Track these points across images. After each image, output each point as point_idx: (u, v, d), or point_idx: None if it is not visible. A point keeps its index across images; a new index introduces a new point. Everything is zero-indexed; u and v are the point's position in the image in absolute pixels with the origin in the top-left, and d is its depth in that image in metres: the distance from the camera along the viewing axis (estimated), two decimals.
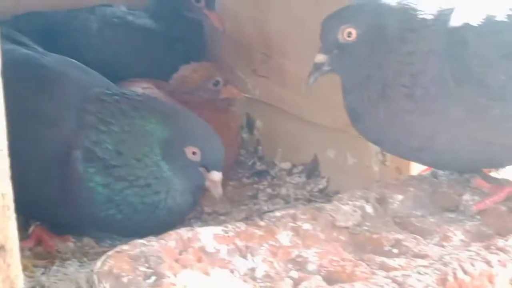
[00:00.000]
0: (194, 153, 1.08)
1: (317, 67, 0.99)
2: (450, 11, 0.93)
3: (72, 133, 1.07)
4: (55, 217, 1.13)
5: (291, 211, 0.92)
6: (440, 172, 1.05)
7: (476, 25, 0.90)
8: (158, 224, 1.06)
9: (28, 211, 1.11)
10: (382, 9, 0.96)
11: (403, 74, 0.92)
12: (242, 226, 0.88)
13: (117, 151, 1.06)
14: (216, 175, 1.08)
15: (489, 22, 0.90)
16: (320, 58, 0.99)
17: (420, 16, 0.93)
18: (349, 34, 0.96)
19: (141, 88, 1.40)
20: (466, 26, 0.90)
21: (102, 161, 1.06)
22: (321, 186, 1.41)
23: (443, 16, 0.93)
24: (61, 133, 1.08)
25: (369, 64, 0.95)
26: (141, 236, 1.15)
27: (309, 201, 1.36)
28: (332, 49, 0.98)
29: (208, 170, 1.08)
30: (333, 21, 0.98)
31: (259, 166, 1.53)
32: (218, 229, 0.86)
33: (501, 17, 0.90)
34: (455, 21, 0.92)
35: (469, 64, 0.89)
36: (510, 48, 0.89)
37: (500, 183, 1.00)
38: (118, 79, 1.29)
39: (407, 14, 0.94)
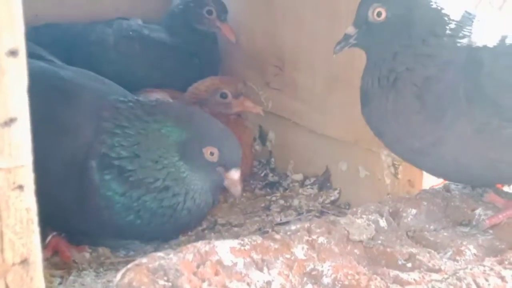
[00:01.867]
0: (212, 153, 1.09)
1: (346, 38, 1.02)
2: (473, 21, 0.95)
3: (89, 141, 1.08)
4: (73, 226, 1.15)
5: (306, 225, 0.93)
6: (453, 186, 1.06)
7: (492, 46, 0.91)
8: (177, 226, 1.08)
9: (46, 221, 1.12)
10: (417, 2, 0.97)
11: (417, 74, 0.94)
12: (258, 239, 0.89)
13: (133, 153, 1.07)
14: (235, 174, 1.10)
15: (504, 42, 0.91)
16: (350, 30, 1.01)
17: (448, 23, 0.94)
18: (379, 13, 0.98)
19: (155, 97, 1.42)
20: (483, 46, 0.92)
21: (118, 166, 1.06)
22: (333, 198, 1.41)
23: (466, 27, 0.94)
24: (78, 142, 1.09)
25: (388, 50, 0.97)
26: (161, 238, 1.17)
27: (321, 212, 1.37)
28: (361, 24, 1.00)
29: (226, 170, 1.10)
30: (367, 1, 1.00)
31: (271, 178, 1.55)
32: (234, 242, 0.87)
33: None
34: (475, 36, 0.93)
35: (483, 85, 0.90)
36: None
37: None
38: (133, 91, 1.31)
39: (437, 16, 0.95)
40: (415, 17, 0.96)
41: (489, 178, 0.99)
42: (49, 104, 1.12)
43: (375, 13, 0.99)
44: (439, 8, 0.96)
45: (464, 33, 0.94)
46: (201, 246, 0.85)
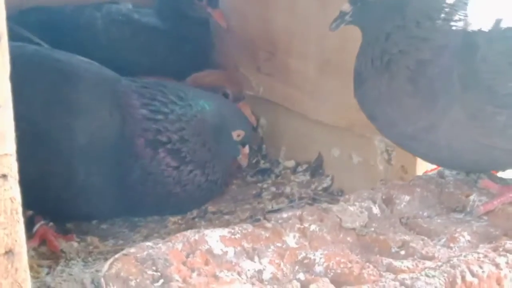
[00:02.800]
0: (239, 135, 1.28)
1: (341, 15, 1.00)
2: (468, 3, 0.92)
3: (113, 122, 1.14)
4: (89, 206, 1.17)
5: (298, 212, 0.92)
6: (447, 172, 1.04)
7: (486, 30, 0.89)
8: (208, 198, 1.28)
9: (37, 205, 1.12)
10: None
11: (410, 57, 0.92)
12: (249, 227, 0.87)
13: (182, 138, 1.19)
14: (247, 148, 1.33)
15: (499, 27, 0.89)
16: (346, 7, 1.00)
17: (443, 6, 0.92)
18: None
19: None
20: (478, 30, 0.89)
21: (170, 147, 1.18)
22: (325, 185, 1.40)
23: (461, 10, 0.92)
24: (100, 124, 1.13)
25: (382, 29, 0.95)
26: (184, 211, 1.29)
27: (314, 199, 1.35)
28: (357, 1, 0.98)
29: (243, 146, 1.30)
30: None
31: (263, 165, 1.53)
32: (225, 231, 0.85)
33: (510, 21, 0.90)
34: (470, 20, 0.91)
35: (477, 70, 0.88)
36: None
37: (507, 184, 0.99)
38: (123, 76, 1.29)
39: None
40: None
41: (483, 164, 0.98)
42: (53, 85, 1.11)
43: None
44: None
45: (459, 16, 0.92)
46: (191, 235, 0.84)
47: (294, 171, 1.47)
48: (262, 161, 1.54)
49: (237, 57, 1.61)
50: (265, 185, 1.43)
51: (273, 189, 1.41)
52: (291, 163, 1.50)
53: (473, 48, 0.89)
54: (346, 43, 1.22)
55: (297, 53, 1.43)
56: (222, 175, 1.29)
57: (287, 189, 1.40)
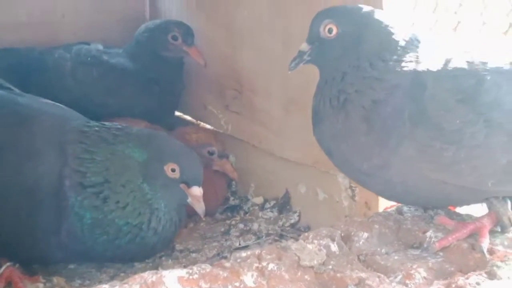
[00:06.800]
0: (173, 170, 1.11)
1: (300, 54, 1.02)
2: (420, 43, 0.96)
3: (53, 166, 1.09)
4: (36, 252, 1.13)
5: (257, 251, 0.93)
6: (405, 208, 1.06)
7: (435, 69, 0.92)
8: (145, 246, 1.10)
9: (3, 251, 1.11)
10: (367, 20, 0.98)
11: (365, 96, 0.95)
12: (207, 267, 0.88)
13: (104, 178, 1.09)
14: (197, 190, 1.12)
15: (447, 66, 0.92)
16: (304, 46, 1.02)
17: (396, 47, 0.95)
18: (330, 30, 0.99)
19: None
20: (426, 69, 0.92)
21: (90, 190, 1.08)
22: (292, 221, 1.42)
23: (413, 51, 0.95)
24: (42, 167, 1.09)
25: (338, 68, 0.98)
26: (130, 260, 1.18)
27: (281, 236, 1.37)
28: (314, 41, 1.01)
29: (189, 186, 1.11)
30: (319, 15, 1.02)
31: (232, 201, 1.55)
32: (183, 272, 0.86)
33: (458, 60, 0.93)
34: (421, 60, 0.94)
35: (426, 107, 0.90)
36: (465, 93, 0.90)
37: (463, 220, 1.01)
38: (91, 118, 1.30)
39: (385, 39, 0.96)
40: (364, 37, 0.97)
41: (437, 200, 1.00)
42: (8, 131, 1.11)
43: (326, 29, 1.00)
44: (388, 29, 0.97)
45: (411, 57, 0.95)
46: (148, 276, 0.84)
47: (262, 207, 1.49)
48: (232, 198, 1.56)
49: (206, 96, 1.63)
50: (233, 222, 1.45)
51: (241, 226, 1.43)
52: (259, 200, 1.51)
53: (422, 87, 0.91)
54: (309, 83, 1.24)
55: (263, 91, 1.46)
56: (167, 220, 1.12)
57: (255, 226, 1.41)
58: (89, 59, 1.57)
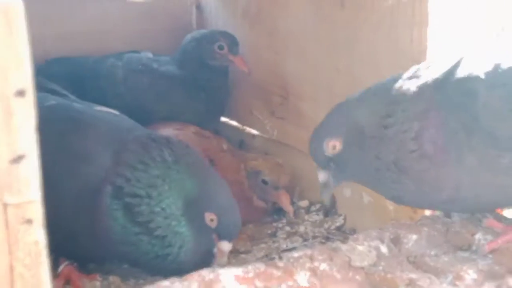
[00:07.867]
0: (212, 219, 1.09)
1: (324, 185, 1.01)
2: (424, 67, 0.96)
3: (105, 169, 1.10)
4: (84, 253, 1.17)
5: (309, 252, 0.95)
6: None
7: (485, 77, 0.90)
8: (166, 271, 1.07)
9: (60, 250, 1.16)
10: (357, 106, 0.98)
11: (405, 143, 0.93)
12: (261, 266, 0.91)
13: (146, 193, 1.07)
14: (226, 246, 1.11)
15: (497, 73, 0.91)
16: (322, 176, 1.01)
17: (399, 89, 0.95)
18: (334, 146, 0.99)
19: (173, 129, 1.48)
20: (475, 78, 0.91)
21: (129, 201, 1.07)
22: (338, 224, 1.43)
23: (422, 76, 0.95)
24: (93, 169, 1.11)
25: (369, 160, 0.96)
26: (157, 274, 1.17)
27: (327, 238, 1.38)
28: (327, 164, 1.00)
29: (220, 239, 1.10)
30: (315, 141, 1.02)
31: (278, 205, 1.57)
32: (238, 270, 0.89)
33: (508, 68, 0.91)
34: (457, 72, 0.94)
35: (479, 116, 0.89)
36: None
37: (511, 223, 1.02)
38: (142, 124, 1.34)
39: (384, 95, 0.95)
40: (365, 120, 0.96)
41: (500, 203, 1.00)
42: (65, 135, 1.15)
43: (330, 149, 0.99)
44: (383, 89, 0.97)
45: (423, 80, 0.94)
46: (206, 274, 0.88)
47: (308, 210, 1.51)
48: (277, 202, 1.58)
49: (252, 102, 1.66)
50: (280, 225, 1.47)
51: (287, 228, 1.45)
52: (305, 203, 1.54)
53: (472, 96, 0.90)
54: (354, 87, 1.26)
55: (308, 97, 1.48)
56: (191, 259, 1.09)
57: (301, 229, 1.43)
58: (140, 67, 1.63)
